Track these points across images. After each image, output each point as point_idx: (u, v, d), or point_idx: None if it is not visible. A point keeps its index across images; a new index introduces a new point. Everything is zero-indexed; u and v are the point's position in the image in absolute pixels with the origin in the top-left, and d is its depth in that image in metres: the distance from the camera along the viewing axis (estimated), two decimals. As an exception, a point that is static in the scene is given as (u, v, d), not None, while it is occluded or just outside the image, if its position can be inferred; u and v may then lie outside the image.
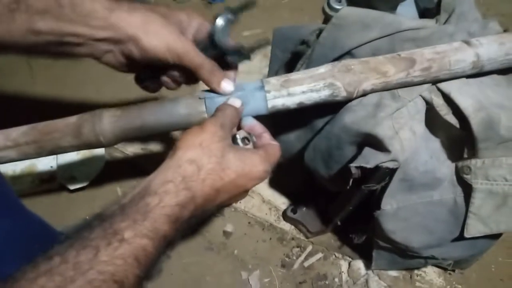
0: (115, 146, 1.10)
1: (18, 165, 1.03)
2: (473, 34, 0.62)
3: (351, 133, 0.59)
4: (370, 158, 0.56)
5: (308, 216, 0.96)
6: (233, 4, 0.54)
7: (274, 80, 0.56)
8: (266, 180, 0.47)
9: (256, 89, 0.55)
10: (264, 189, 1.04)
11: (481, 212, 0.63)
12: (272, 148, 0.52)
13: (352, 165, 0.57)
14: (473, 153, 0.59)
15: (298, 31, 0.70)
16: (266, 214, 1.01)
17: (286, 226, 1.00)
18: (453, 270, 0.92)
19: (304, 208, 0.97)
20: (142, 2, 0.52)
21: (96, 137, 0.54)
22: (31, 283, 0.33)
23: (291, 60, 0.73)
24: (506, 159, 0.59)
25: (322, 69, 0.56)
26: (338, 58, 0.62)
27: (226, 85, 0.54)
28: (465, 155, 0.60)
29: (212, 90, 0.55)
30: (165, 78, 0.58)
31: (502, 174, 0.60)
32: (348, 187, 0.61)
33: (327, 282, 0.92)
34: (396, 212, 0.66)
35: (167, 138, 1.10)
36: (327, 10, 0.72)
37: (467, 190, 0.62)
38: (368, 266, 0.91)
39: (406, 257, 0.79)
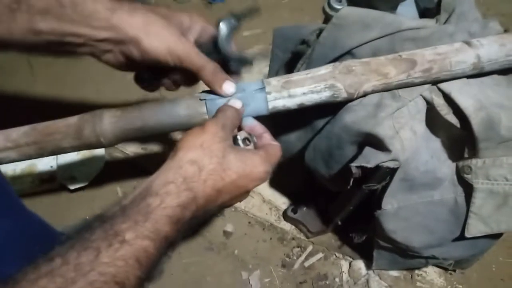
0: (115, 146, 1.10)
1: (18, 165, 1.03)
2: (474, 34, 0.62)
3: (352, 133, 0.59)
4: (371, 158, 0.56)
5: (308, 216, 0.96)
6: (234, 4, 0.53)
7: (274, 81, 0.56)
8: (267, 180, 0.47)
9: (257, 90, 0.55)
10: (264, 189, 1.04)
11: (482, 211, 0.63)
12: (272, 148, 0.52)
13: (353, 164, 0.57)
14: (474, 153, 0.59)
15: (298, 31, 0.70)
16: (267, 214, 1.01)
17: (287, 226, 1.00)
18: (454, 270, 0.92)
19: (305, 208, 0.97)
20: (143, 2, 0.51)
21: (96, 138, 0.54)
22: (32, 284, 0.33)
23: (291, 60, 0.73)
24: (507, 159, 0.59)
25: (323, 70, 0.56)
26: (338, 58, 0.62)
27: (228, 87, 0.54)
28: (466, 155, 0.60)
29: (212, 91, 0.55)
30: (164, 80, 0.58)
31: (503, 173, 0.60)
32: (348, 187, 0.61)
33: (327, 282, 0.92)
34: (397, 212, 0.66)
35: (167, 138, 1.10)
36: (328, 10, 0.72)
37: (468, 190, 0.62)
38: (368, 266, 0.91)
39: (407, 257, 0.79)
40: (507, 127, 0.55)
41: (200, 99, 0.55)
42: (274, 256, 0.96)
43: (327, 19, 0.74)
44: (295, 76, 0.56)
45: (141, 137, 0.56)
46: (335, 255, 0.96)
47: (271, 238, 0.98)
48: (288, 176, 0.93)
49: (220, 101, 0.54)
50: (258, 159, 0.48)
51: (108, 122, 0.54)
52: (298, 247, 0.97)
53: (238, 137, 0.52)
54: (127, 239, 0.37)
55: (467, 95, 0.57)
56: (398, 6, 0.71)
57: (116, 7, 0.48)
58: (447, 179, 0.62)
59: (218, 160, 0.46)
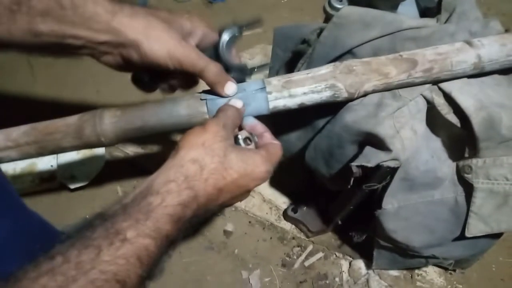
0: (116, 145, 1.10)
1: (18, 164, 1.03)
2: (474, 34, 0.62)
3: (352, 132, 0.59)
4: (371, 157, 0.56)
5: (308, 215, 0.96)
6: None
7: (275, 80, 0.56)
8: (268, 180, 0.47)
9: (258, 90, 0.55)
10: (264, 189, 1.04)
11: (482, 211, 0.63)
12: (273, 147, 0.52)
13: (353, 164, 0.57)
14: (474, 153, 0.59)
15: (299, 30, 0.70)
16: (267, 213, 1.01)
17: (287, 226, 1.00)
18: (454, 270, 0.92)
19: (305, 208, 0.97)
20: (143, 4, 0.51)
21: (97, 137, 0.54)
22: (32, 282, 0.33)
23: (292, 59, 0.73)
24: (507, 159, 0.59)
25: (323, 70, 0.56)
26: (339, 57, 0.62)
27: (230, 88, 0.54)
28: (466, 155, 0.60)
29: (213, 91, 0.55)
30: (162, 85, 0.58)
31: (503, 173, 0.60)
32: (349, 186, 0.61)
33: (327, 282, 0.92)
34: (397, 212, 0.66)
35: (167, 138, 1.10)
36: (328, 9, 0.72)
37: (468, 189, 0.62)
38: (369, 265, 0.91)
39: (407, 256, 0.79)
40: (507, 126, 0.55)
41: (201, 99, 0.55)
42: (274, 255, 0.96)
43: (327, 18, 0.74)
44: (296, 76, 0.56)
45: (142, 136, 0.56)
46: (335, 254, 0.96)
47: (271, 238, 0.98)
48: (289, 176, 0.93)
49: (221, 101, 0.54)
50: (259, 159, 0.48)
51: (108, 122, 0.54)
52: (298, 246, 0.97)
53: (239, 136, 0.52)
54: (128, 238, 0.37)
55: (467, 94, 0.57)
56: (399, 6, 0.71)
57: (117, 10, 0.48)
58: (448, 179, 0.62)
59: (219, 159, 0.45)
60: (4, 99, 1.22)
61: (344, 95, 0.56)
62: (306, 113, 0.61)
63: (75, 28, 0.47)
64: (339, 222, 0.87)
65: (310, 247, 0.97)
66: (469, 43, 0.58)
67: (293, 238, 0.98)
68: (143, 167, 1.08)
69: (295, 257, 0.96)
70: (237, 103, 0.53)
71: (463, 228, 0.66)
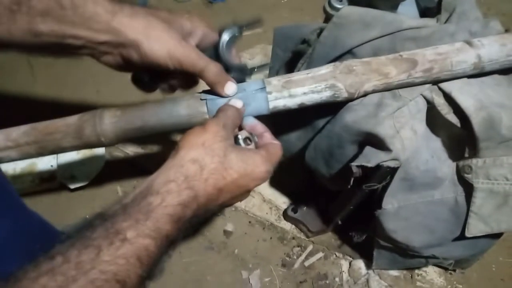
0: (116, 145, 1.10)
1: (18, 164, 1.03)
2: (474, 34, 0.62)
3: (352, 132, 0.59)
4: (371, 157, 0.56)
5: (308, 215, 0.96)
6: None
7: (275, 80, 0.56)
8: (268, 180, 0.47)
9: (258, 90, 0.55)
10: (264, 189, 1.04)
11: (482, 211, 0.63)
12: (273, 147, 0.52)
13: (353, 164, 0.57)
14: (474, 153, 0.59)
15: (299, 30, 0.70)
16: (267, 213, 1.01)
17: (287, 226, 1.00)
18: (454, 270, 0.92)
19: (305, 208, 0.97)
20: (143, 4, 0.51)
21: (97, 138, 0.54)
22: (32, 282, 0.33)
23: (292, 59, 0.73)
24: (507, 159, 0.59)
25: (323, 70, 0.56)
26: (339, 57, 0.62)
27: (230, 88, 0.54)
28: (466, 155, 0.60)
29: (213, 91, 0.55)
30: (162, 85, 0.58)
31: (503, 173, 0.60)
32: (349, 186, 0.61)
33: (327, 282, 0.92)
34: (397, 212, 0.66)
35: (167, 138, 1.10)
36: (328, 9, 0.72)
37: (468, 189, 0.62)
38: (368, 265, 0.91)
39: (407, 256, 0.79)
40: (507, 126, 0.55)
41: (201, 99, 0.55)
42: (274, 255, 0.96)
43: (327, 18, 0.74)
44: (296, 76, 0.56)
45: (142, 136, 0.56)
46: (335, 254, 0.96)
47: (271, 238, 0.98)
48: (289, 176, 0.93)
49: (221, 101, 0.54)
50: (259, 159, 0.48)
51: (108, 122, 0.54)
52: (298, 246, 0.97)
53: (239, 136, 0.52)
54: (128, 238, 0.37)
55: (467, 94, 0.57)
56: (399, 6, 0.71)
57: (117, 10, 0.48)
58: (448, 179, 0.62)
59: (219, 159, 0.45)
60: (4, 99, 1.22)
61: (344, 95, 0.56)
62: (306, 113, 0.61)
63: (75, 28, 0.47)
64: (339, 222, 0.87)
65: (310, 247, 0.97)
66: (469, 43, 0.58)
67: (293, 238, 0.98)
68: (143, 167, 1.08)
69: (295, 257, 0.96)
70: (237, 103, 0.53)
71: (463, 228, 0.66)
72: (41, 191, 1.04)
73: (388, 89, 0.58)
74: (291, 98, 0.55)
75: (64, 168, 1.05)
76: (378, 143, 0.57)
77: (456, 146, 0.61)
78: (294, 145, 0.74)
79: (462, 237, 0.68)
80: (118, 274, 0.36)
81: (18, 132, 0.55)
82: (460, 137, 0.60)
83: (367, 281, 0.91)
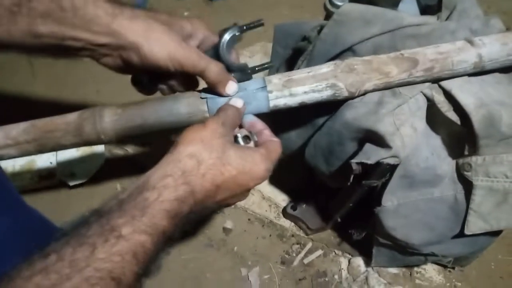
0: (115, 142, 1.10)
1: (17, 161, 1.03)
2: (475, 31, 0.62)
3: (352, 129, 0.59)
4: (371, 154, 0.56)
5: (308, 213, 0.96)
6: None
7: (276, 79, 0.56)
8: (267, 179, 0.47)
9: (258, 89, 0.55)
10: (264, 186, 1.04)
11: (482, 209, 0.63)
12: (272, 144, 0.52)
13: (353, 161, 0.57)
14: (474, 150, 0.59)
15: (300, 27, 0.69)
16: (266, 211, 1.01)
17: (286, 223, 1.00)
18: (453, 268, 0.92)
19: (304, 205, 0.97)
20: (142, 4, 0.51)
21: (97, 135, 0.54)
22: (26, 281, 0.33)
23: (292, 56, 0.73)
24: (507, 156, 0.59)
25: (324, 69, 0.56)
26: (339, 54, 0.62)
27: (231, 88, 0.54)
28: (466, 152, 0.60)
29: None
30: (161, 86, 0.58)
31: (503, 171, 0.60)
32: (348, 184, 0.61)
33: (326, 279, 0.92)
34: (397, 209, 0.66)
35: (167, 135, 1.10)
36: (329, 6, 0.72)
37: (468, 187, 0.62)
38: (368, 263, 0.91)
39: (406, 254, 0.79)
40: (507, 124, 0.55)
41: (201, 98, 0.55)
42: (273, 253, 0.96)
43: (328, 15, 0.73)
44: (297, 75, 0.56)
45: (142, 134, 0.56)
46: (335, 252, 0.96)
47: (270, 235, 0.98)
48: (288, 173, 0.93)
49: (222, 100, 0.54)
50: (258, 157, 0.48)
51: (108, 120, 0.54)
52: (297, 244, 0.97)
53: (239, 135, 0.52)
54: (124, 234, 0.37)
55: (467, 92, 0.57)
56: (399, 3, 0.71)
57: (117, 12, 0.48)
58: (447, 176, 0.62)
59: (217, 155, 0.45)
60: (4, 98, 1.22)
61: (345, 94, 0.56)
62: (306, 110, 0.61)
63: (75, 30, 0.47)
64: (339, 220, 0.87)
65: (309, 245, 0.97)
66: (470, 42, 0.58)
67: (293, 235, 0.98)
68: (143, 164, 1.08)
69: (294, 254, 0.96)
70: (238, 103, 0.53)
71: (463, 225, 0.66)
72: (41, 189, 1.04)
73: (388, 87, 0.58)
74: (292, 97, 0.55)
75: (64, 165, 1.05)
76: (378, 140, 0.57)
77: (456, 143, 0.61)
78: (293, 143, 0.74)
79: (461, 234, 0.68)
80: (113, 271, 0.35)
81: (17, 130, 0.55)
82: (460, 135, 0.60)
83: (366, 278, 0.91)
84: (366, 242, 0.84)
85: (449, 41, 0.60)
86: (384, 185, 0.63)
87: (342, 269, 0.93)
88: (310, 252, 0.96)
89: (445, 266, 0.92)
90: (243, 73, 0.56)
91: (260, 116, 0.57)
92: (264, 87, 0.55)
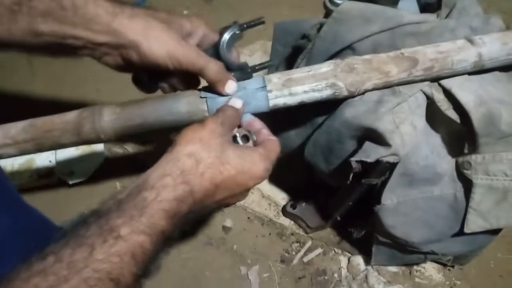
0: (115, 141, 1.10)
1: (16, 160, 1.03)
2: (475, 29, 0.62)
3: (352, 127, 0.59)
4: (371, 152, 0.56)
5: (307, 211, 0.96)
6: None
7: (275, 78, 0.55)
8: (266, 178, 0.47)
9: (258, 89, 0.55)
10: (263, 184, 1.04)
11: (481, 207, 0.63)
12: (271, 144, 0.52)
13: (353, 159, 0.57)
14: (474, 149, 0.59)
15: (299, 25, 0.69)
16: (266, 209, 1.01)
17: (286, 222, 1.00)
18: (452, 266, 0.92)
19: (304, 204, 0.97)
20: (141, 2, 0.51)
21: (96, 134, 0.54)
22: (24, 282, 0.33)
23: (291, 54, 0.73)
24: (507, 154, 0.59)
25: (324, 68, 0.56)
26: (339, 52, 0.62)
27: (231, 87, 0.54)
28: (466, 150, 0.60)
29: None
30: (162, 84, 0.58)
31: (503, 169, 0.60)
32: (348, 182, 0.61)
33: (326, 278, 0.92)
34: (396, 207, 0.66)
35: (167, 134, 1.09)
36: (328, 4, 0.72)
37: (467, 185, 0.62)
38: (367, 261, 0.91)
39: (406, 252, 0.79)
40: (507, 122, 0.55)
41: (201, 97, 0.54)
42: (273, 251, 0.96)
43: (327, 14, 0.73)
44: (296, 74, 0.56)
45: (141, 133, 0.56)
46: (334, 250, 0.96)
47: (270, 234, 0.98)
48: (288, 172, 0.93)
49: (221, 99, 0.54)
50: (257, 156, 0.48)
51: (108, 119, 0.54)
52: (297, 242, 0.97)
53: (237, 134, 0.52)
54: (122, 235, 0.37)
55: (467, 90, 0.57)
56: (399, 1, 0.71)
57: (117, 11, 0.48)
58: (447, 175, 0.62)
59: (216, 154, 0.45)
60: (4, 97, 1.22)
61: (345, 93, 0.56)
62: (305, 109, 0.61)
63: (76, 29, 0.47)
64: (338, 218, 0.87)
65: (309, 243, 0.97)
66: (470, 41, 0.58)
67: (292, 234, 0.98)
68: (142, 163, 1.08)
69: (294, 253, 0.96)
70: (237, 103, 0.53)
71: (462, 224, 0.66)
72: (40, 187, 1.04)
73: (388, 86, 0.58)
74: (292, 96, 0.55)
75: (63, 164, 1.05)
76: (378, 138, 0.57)
77: (456, 142, 0.61)
78: (293, 141, 0.74)
79: (461, 233, 0.68)
80: (111, 272, 0.35)
81: (16, 129, 0.54)
82: (459, 133, 0.60)
83: (366, 277, 0.91)
84: (366, 240, 0.84)
85: (449, 39, 0.60)
86: (384, 183, 0.63)
87: (342, 267, 0.93)
88: (309, 250, 0.96)
89: (444, 265, 0.92)
90: (243, 72, 0.56)
91: (259, 114, 0.56)
92: (264, 86, 0.55)
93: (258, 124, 0.55)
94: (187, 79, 0.58)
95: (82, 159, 1.07)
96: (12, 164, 1.03)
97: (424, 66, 0.56)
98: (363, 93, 0.58)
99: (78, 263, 0.34)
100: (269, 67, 0.80)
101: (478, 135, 0.56)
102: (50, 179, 1.04)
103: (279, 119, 0.69)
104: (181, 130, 0.48)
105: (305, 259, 0.94)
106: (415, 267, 0.93)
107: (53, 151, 1.05)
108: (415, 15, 0.64)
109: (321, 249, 0.96)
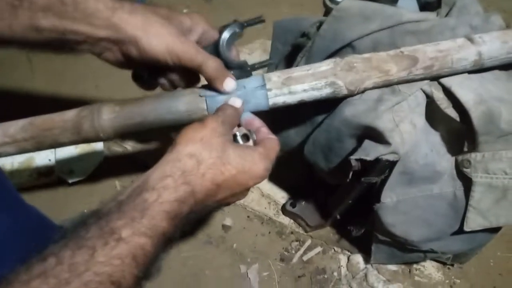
0: (114, 140, 1.10)
1: (15, 159, 1.02)
2: (475, 28, 0.62)
3: (351, 126, 0.59)
4: (370, 151, 0.56)
5: (307, 210, 0.96)
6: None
7: (275, 77, 0.55)
8: (266, 178, 0.47)
9: (257, 87, 0.55)
10: (263, 183, 1.04)
11: (481, 205, 0.63)
12: (270, 142, 0.52)
13: (352, 157, 0.57)
14: (473, 147, 0.59)
15: (299, 23, 0.69)
16: (265, 208, 1.01)
17: (285, 220, 1.00)
18: (452, 265, 0.92)
19: (303, 202, 0.97)
20: (142, 0, 0.52)
21: (95, 133, 0.54)
22: (24, 285, 0.32)
23: (291, 53, 0.73)
24: (506, 153, 0.59)
25: (324, 67, 0.56)
26: (338, 51, 0.62)
27: (229, 84, 0.53)
28: (465, 149, 0.60)
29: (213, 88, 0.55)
30: (162, 81, 0.58)
31: (502, 167, 0.60)
32: (347, 180, 0.61)
33: (326, 276, 0.92)
34: (396, 205, 0.66)
35: (166, 132, 1.09)
36: (328, 2, 0.72)
37: (467, 183, 0.62)
38: (367, 260, 0.91)
39: (405, 251, 0.79)
40: (507, 120, 0.55)
41: (200, 95, 0.54)
42: (272, 250, 0.96)
43: (327, 12, 0.73)
44: (296, 72, 0.56)
45: (141, 131, 0.56)
46: (334, 249, 0.96)
47: (269, 232, 0.98)
48: (287, 170, 0.93)
49: (221, 98, 0.54)
50: (257, 156, 0.48)
51: (107, 118, 0.53)
52: (296, 241, 0.97)
53: (237, 133, 0.52)
54: (123, 237, 0.37)
55: (467, 89, 0.57)
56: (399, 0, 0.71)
57: (117, 6, 0.49)
58: (447, 173, 0.62)
59: (217, 154, 0.45)
60: (3, 94, 1.21)
61: (344, 92, 0.56)
62: (305, 108, 0.61)
63: (76, 24, 0.48)
64: (338, 217, 0.87)
65: (308, 242, 0.97)
66: (470, 39, 0.58)
67: (292, 232, 0.98)
68: (142, 162, 1.08)
69: (293, 251, 0.96)
70: (236, 102, 0.53)
71: (462, 222, 0.66)
72: (39, 186, 1.04)
73: (387, 85, 0.58)
74: (291, 95, 0.55)
75: (62, 162, 1.05)
76: (377, 136, 0.57)
77: (455, 140, 0.61)
78: (292, 140, 0.74)
79: (460, 231, 0.68)
80: (113, 275, 0.35)
81: (15, 128, 0.54)
82: (459, 132, 0.60)
83: (365, 275, 0.91)
84: (365, 239, 0.84)
85: (449, 37, 0.60)
86: (383, 182, 0.63)
87: (341, 266, 0.93)
88: (309, 249, 0.96)
89: (444, 263, 0.92)
90: (243, 71, 0.56)
91: (259, 113, 0.56)
92: (264, 85, 0.54)
93: (257, 122, 0.55)
94: (187, 75, 0.58)
95: (81, 157, 1.06)
96: (11, 163, 1.02)
97: (424, 64, 0.56)
98: (362, 92, 0.58)
99: (79, 266, 0.34)
100: (269, 65, 0.80)
101: (477, 134, 0.56)
102: (50, 178, 1.04)
103: (278, 117, 0.69)
104: (181, 129, 0.48)
105: (305, 258, 0.94)
106: (414, 265, 0.93)
107: (53, 150, 1.05)
108: (414, 13, 0.64)
109: (320, 248, 0.96)
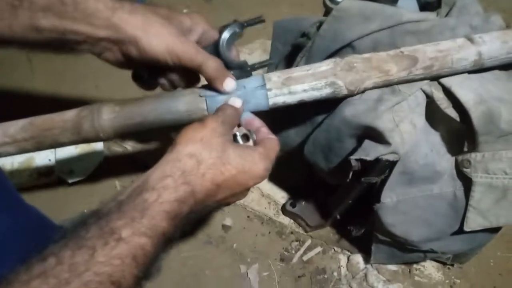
0: (114, 140, 1.10)
1: (15, 159, 1.02)
2: (475, 28, 0.62)
3: (351, 126, 0.59)
4: (370, 151, 0.56)
5: (307, 210, 0.96)
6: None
7: (275, 77, 0.55)
8: (266, 178, 0.47)
9: (257, 87, 0.55)
10: (263, 183, 1.04)
11: (481, 205, 0.63)
12: (270, 142, 0.52)
13: (352, 157, 0.57)
14: (473, 147, 0.59)
15: (299, 23, 0.69)
16: (265, 208, 1.01)
17: (285, 220, 1.00)
18: (452, 265, 0.92)
19: (303, 202, 0.97)
20: (142, 1, 0.52)
21: (95, 133, 0.54)
22: (24, 285, 0.32)
23: (291, 53, 0.73)
24: (506, 153, 0.59)
25: (324, 67, 0.56)
26: (338, 51, 0.62)
27: (229, 84, 0.53)
28: (465, 149, 0.60)
29: (212, 88, 0.55)
30: (162, 81, 0.58)
31: (502, 167, 0.60)
32: (347, 180, 0.61)
33: (326, 276, 0.92)
34: (396, 205, 0.66)
35: (167, 132, 1.09)
36: (328, 2, 0.72)
37: (467, 183, 0.62)
38: (367, 260, 0.91)
39: (405, 251, 0.79)
40: (507, 120, 0.55)
41: (200, 95, 0.54)
42: (272, 250, 0.96)
43: (327, 12, 0.73)
44: (296, 72, 0.56)
45: (141, 131, 0.56)
46: (334, 249, 0.96)
47: (269, 232, 0.98)
48: (287, 170, 0.93)
49: (221, 98, 0.54)
50: (257, 156, 0.48)
51: (107, 118, 0.53)
52: (296, 241, 0.97)
53: (237, 133, 0.52)
54: (123, 237, 0.37)
55: (467, 89, 0.57)
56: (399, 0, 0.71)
57: (117, 6, 0.49)
58: (447, 173, 0.62)
59: (217, 154, 0.45)
60: (3, 94, 1.21)
61: (344, 92, 0.56)
62: (305, 108, 0.61)
63: (76, 24, 0.48)
64: (338, 217, 0.87)
65: (308, 242, 0.97)
66: (470, 39, 0.58)
67: (292, 232, 0.98)
68: (142, 162, 1.08)
69: (293, 251, 0.96)
70: (236, 103, 0.53)
71: (462, 222, 0.66)
72: (39, 186, 1.04)
73: (387, 85, 0.58)
74: (291, 95, 0.55)
75: (62, 162, 1.05)
76: (377, 136, 0.57)
77: (455, 140, 0.61)
78: (292, 140, 0.74)
79: (460, 231, 0.68)
80: (113, 275, 0.35)
81: (15, 128, 0.54)
82: (459, 132, 0.60)
83: (365, 275, 0.91)
84: (365, 239, 0.84)
85: (449, 37, 0.60)
86: (383, 182, 0.63)
87: (341, 266, 0.93)
88: (309, 249, 0.96)
89: (444, 263, 0.92)
90: (243, 71, 0.56)
91: (259, 113, 0.56)
92: (264, 85, 0.54)
93: (257, 122, 0.55)
94: (187, 75, 0.58)
95: (81, 157, 1.06)
96: (11, 163, 1.02)
97: (424, 64, 0.56)
98: (362, 92, 0.58)
99: (79, 266, 0.34)
100: (269, 65, 0.80)
101: (477, 134, 0.56)
102: (50, 178, 1.04)
103: (278, 117, 0.69)
104: (181, 129, 0.48)
105: (305, 258, 0.94)
106: (414, 265, 0.93)
107: (53, 150, 1.05)
108: (414, 13, 0.64)
109: (320, 248, 0.96)
